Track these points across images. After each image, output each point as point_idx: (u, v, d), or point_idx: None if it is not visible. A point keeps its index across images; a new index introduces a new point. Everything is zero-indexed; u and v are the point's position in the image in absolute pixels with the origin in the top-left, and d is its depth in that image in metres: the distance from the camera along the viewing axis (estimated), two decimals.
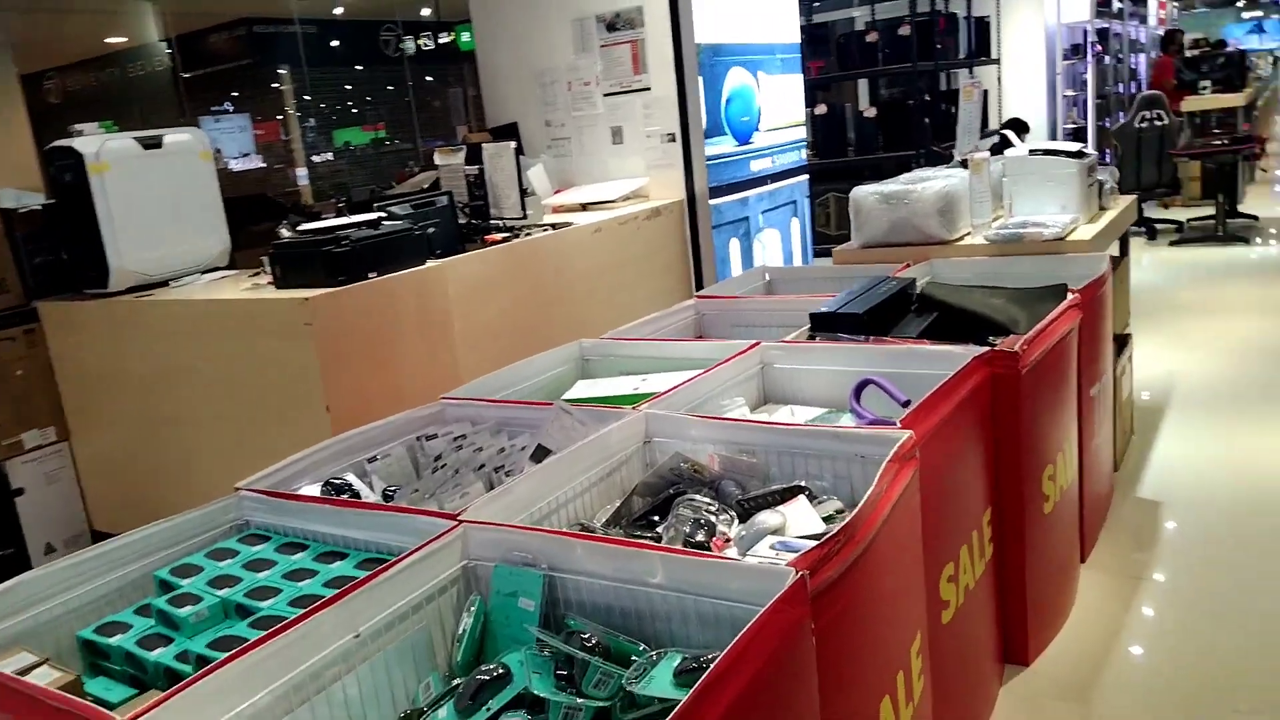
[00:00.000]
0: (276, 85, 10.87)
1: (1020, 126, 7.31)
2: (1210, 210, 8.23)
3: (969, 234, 3.65)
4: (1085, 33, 10.57)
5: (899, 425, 1.85)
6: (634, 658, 1.31)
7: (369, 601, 1.39)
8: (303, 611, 1.34)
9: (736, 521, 1.75)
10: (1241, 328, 5.58)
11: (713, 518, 1.73)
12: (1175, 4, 17.83)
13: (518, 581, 1.45)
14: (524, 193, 3.77)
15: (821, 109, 7.15)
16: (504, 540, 1.51)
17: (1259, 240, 7.98)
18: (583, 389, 2.53)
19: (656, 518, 1.80)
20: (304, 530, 1.77)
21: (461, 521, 1.55)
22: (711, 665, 1.15)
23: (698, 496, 1.79)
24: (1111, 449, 3.47)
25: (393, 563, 1.45)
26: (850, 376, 2.19)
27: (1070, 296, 2.80)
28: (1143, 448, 3.92)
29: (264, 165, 10.87)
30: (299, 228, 3.17)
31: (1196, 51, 11.52)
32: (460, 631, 1.45)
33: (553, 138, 4.62)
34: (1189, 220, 8.54)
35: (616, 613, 1.42)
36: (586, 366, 2.72)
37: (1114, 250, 3.81)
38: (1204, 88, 9.78)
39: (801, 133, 5.21)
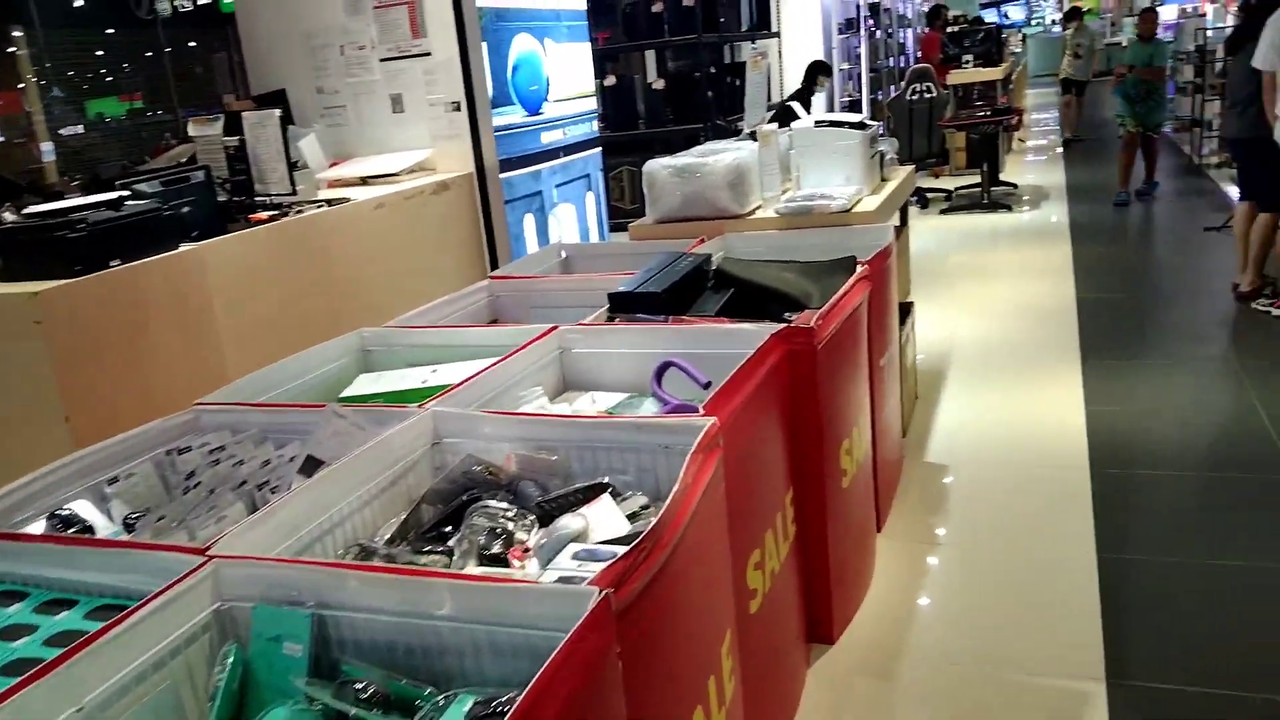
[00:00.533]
0: (12, 50, 9.69)
1: (822, 69, 7.47)
2: (976, 179, 8.76)
3: (760, 207, 3.65)
4: (858, 7, 11.01)
5: (701, 410, 1.77)
6: (419, 703, 1.16)
7: (96, 663, 1.16)
8: (12, 683, 1.11)
9: (537, 527, 1.61)
10: (1008, 290, 5.94)
11: (510, 525, 1.59)
12: None
13: (281, 624, 1.26)
14: (293, 166, 3.46)
15: (610, 80, 7.06)
16: (264, 576, 1.30)
17: (1018, 207, 8.56)
18: (365, 385, 2.31)
19: (449, 528, 1.63)
20: (22, 575, 1.48)
21: (211, 557, 1.33)
22: (507, 709, 1.01)
23: (493, 502, 1.64)
24: (900, 417, 3.57)
25: (126, 613, 1.22)
26: (651, 359, 2.11)
27: (860, 268, 2.82)
28: (927, 412, 4.07)
29: (2, 139, 9.69)
30: (25, 210, 2.76)
31: (958, 27, 12.21)
32: (214, 688, 1.24)
33: (325, 106, 4.28)
34: (957, 189, 9.06)
35: (400, 650, 1.25)
36: (369, 359, 2.50)
37: (895, 220, 3.91)
38: (967, 61, 10.38)
39: (593, 104, 5.08)
